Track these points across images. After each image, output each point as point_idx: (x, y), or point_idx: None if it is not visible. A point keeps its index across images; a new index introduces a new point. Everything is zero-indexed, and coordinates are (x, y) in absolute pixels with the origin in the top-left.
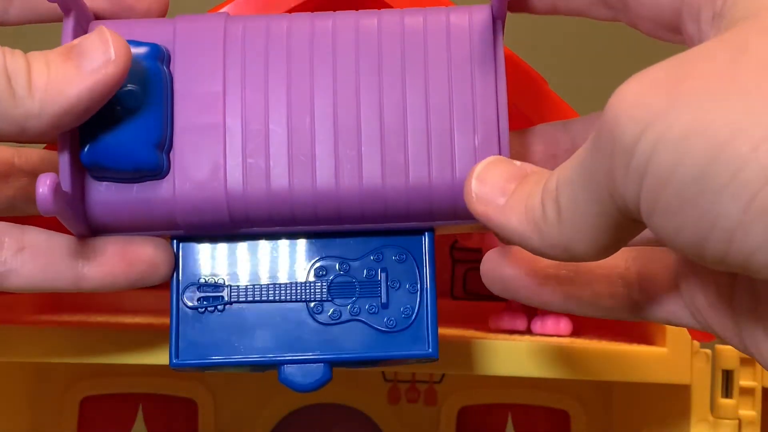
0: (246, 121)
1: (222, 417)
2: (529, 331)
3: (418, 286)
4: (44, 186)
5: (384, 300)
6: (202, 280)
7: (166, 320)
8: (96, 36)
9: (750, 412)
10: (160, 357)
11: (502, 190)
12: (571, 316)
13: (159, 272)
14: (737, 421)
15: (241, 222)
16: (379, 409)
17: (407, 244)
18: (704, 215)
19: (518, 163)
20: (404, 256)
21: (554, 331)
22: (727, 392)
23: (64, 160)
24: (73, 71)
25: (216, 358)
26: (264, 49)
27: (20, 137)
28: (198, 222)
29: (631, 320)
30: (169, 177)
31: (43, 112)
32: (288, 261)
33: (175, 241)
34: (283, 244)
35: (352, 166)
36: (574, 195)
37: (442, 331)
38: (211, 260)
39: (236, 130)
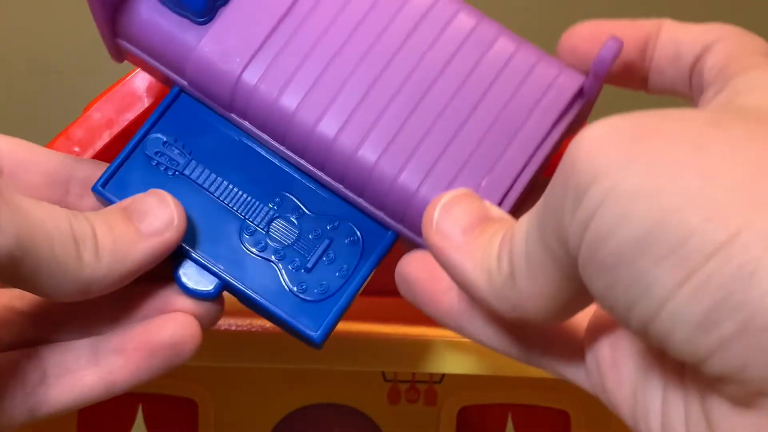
0: (301, 29)
1: (222, 417)
2: None
3: (350, 274)
4: None
5: (310, 265)
6: (174, 139)
7: None
8: (154, 198)
9: None
10: None
11: (463, 228)
12: None
13: (186, 351)
14: None
15: (237, 109)
16: (379, 409)
17: (367, 232)
18: (637, 279)
19: (487, 203)
20: (356, 239)
21: None
22: None
23: None
24: (135, 235)
25: None
26: None
27: (81, 297)
28: (201, 83)
29: (516, 359)
30: (205, 29)
31: (109, 275)
32: (258, 175)
33: (177, 89)
34: (265, 158)
35: (360, 130)
36: (527, 247)
37: (442, 332)
38: (195, 128)
39: (287, 32)
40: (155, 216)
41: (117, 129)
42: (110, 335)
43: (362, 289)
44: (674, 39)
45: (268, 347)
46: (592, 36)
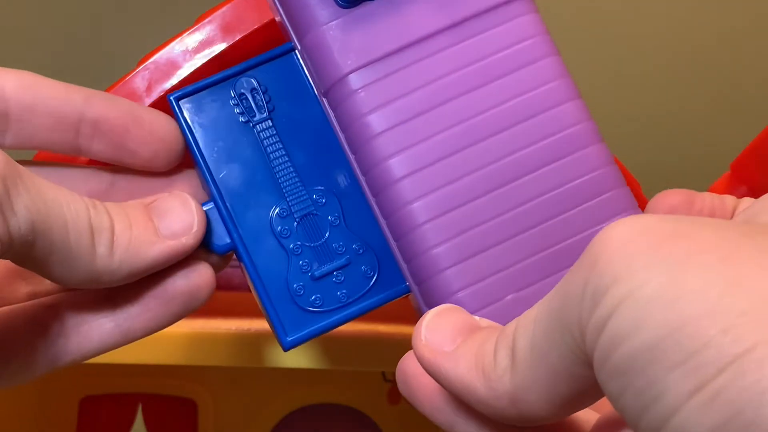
0: (421, 64)
1: (222, 417)
2: None
3: (347, 303)
4: None
5: (318, 274)
6: (264, 90)
7: None
8: (178, 200)
9: None
10: (160, 357)
11: (452, 338)
12: None
13: (201, 297)
14: None
15: (330, 100)
16: (379, 409)
17: (386, 272)
18: (649, 386)
19: (476, 317)
20: (371, 275)
21: None
22: None
23: None
24: (153, 235)
25: (193, 141)
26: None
27: (89, 286)
28: (312, 58)
29: None
30: (341, 12)
31: (120, 270)
32: (321, 165)
33: (290, 45)
34: (336, 153)
35: (424, 186)
36: (534, 336)
37: None
38: (289, 91)
39: (408, 59)
40: (176, 218)
41: None
42: (125, 289)
43: (350, 321)
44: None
45: (268, 347)
46: (682, 203)
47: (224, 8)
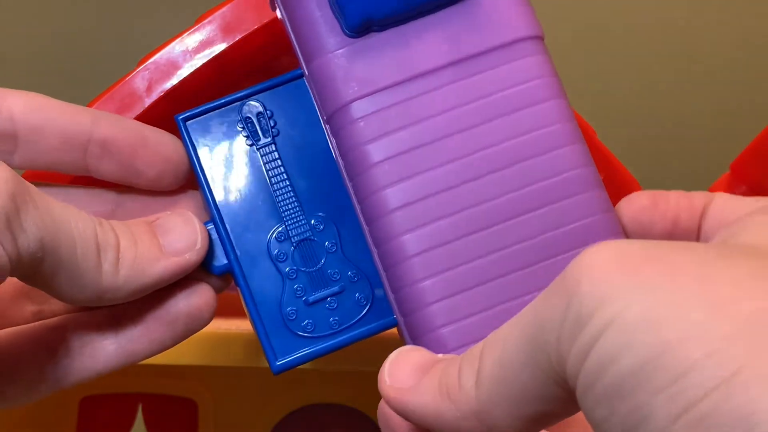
0: (423, 97)
1: (222, 417)
2: None
3: (338, 330)
4: None
5: (312, 299)
6: (270, 115)
7: None
8: (181, 218)
9: None
10: (161, 357)
11: (414, 375)
12: None
13: (203, 318)
14: None
15: (331, 127)
16: None
17: (378, 302)
18: (634, 411)
19: (439, 355)
20: (365, 303)
21: None
22: None
23: None
24: (157, 252)
25: (197, 162)
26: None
27: (94, 303)
28: (316, 84)
29: None
30: (348, 41)
31: (124, 287)
32: (321, 192)
33: (300, 71)
34: (336, 180)
35: (416, 219)
36: (503, 355)
37: None
38: (295, 117)
39: (410, 92)
40: (180, 235)
41: None
42: (128, 304)
43: (341, 348)
44: (722, 210)
45: None
46: (650, 206)
47: (224, 8)
